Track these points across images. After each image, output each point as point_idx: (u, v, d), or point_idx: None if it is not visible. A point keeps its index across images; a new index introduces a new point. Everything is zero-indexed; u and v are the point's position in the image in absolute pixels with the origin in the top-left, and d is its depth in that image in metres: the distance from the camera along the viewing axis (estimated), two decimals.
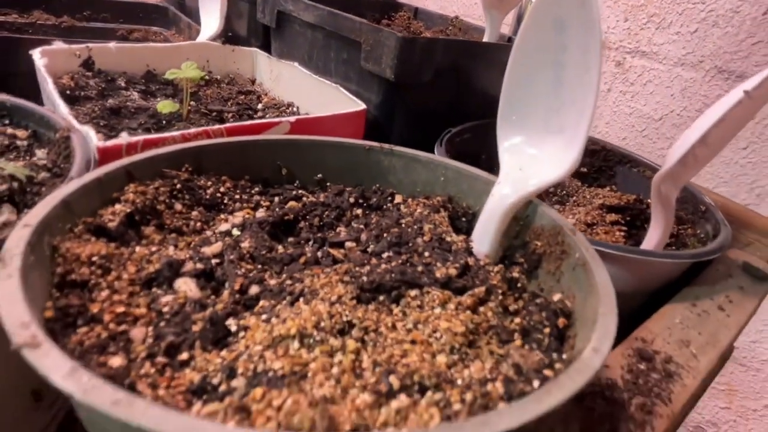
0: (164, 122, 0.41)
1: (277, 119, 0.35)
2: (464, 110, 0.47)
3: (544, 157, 0.27)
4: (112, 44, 0.44)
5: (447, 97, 0.45)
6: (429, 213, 0.30)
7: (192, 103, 0.47)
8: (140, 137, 0.28)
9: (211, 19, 0.55)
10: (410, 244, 0.27)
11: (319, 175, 0.34)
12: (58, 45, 0.41)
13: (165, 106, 0.39)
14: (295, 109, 0.50)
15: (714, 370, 0.26)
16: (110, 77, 0.44)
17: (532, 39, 0.26)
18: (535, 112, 0.27)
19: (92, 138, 0.27)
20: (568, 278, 0.23)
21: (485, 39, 0.47)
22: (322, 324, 0.19)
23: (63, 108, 0.31)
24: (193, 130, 0.30)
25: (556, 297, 0.22)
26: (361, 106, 0.40)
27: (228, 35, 0.57)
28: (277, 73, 0.52)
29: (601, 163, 0.49)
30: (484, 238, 0.27)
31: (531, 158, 0.27)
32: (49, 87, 0.34)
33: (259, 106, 0.51)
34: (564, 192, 0.47)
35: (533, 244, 0.26)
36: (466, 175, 0.32)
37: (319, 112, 0.47)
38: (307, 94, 0.48)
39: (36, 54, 0.38)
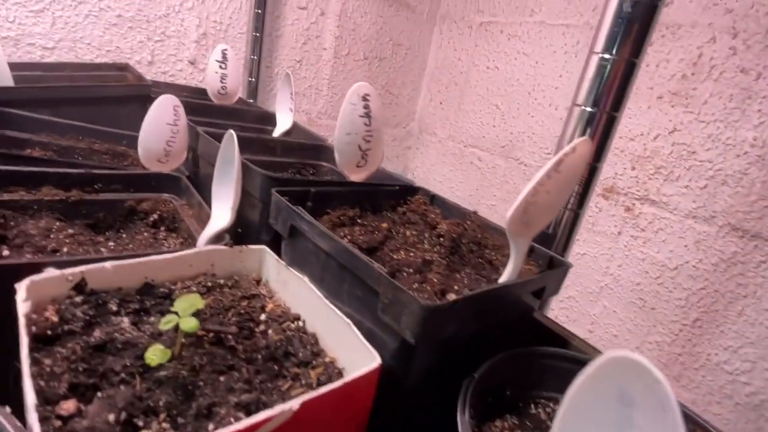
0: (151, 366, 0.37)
1: (276, 410, 0.29)
2: (485, 345, 0.42)
3: None
4: (108, 264, 0.41)
5: (469, 342, 0.41)
6: None
7: None
8: None
9: (221, 211, 0.53)
10: None
11: None
12: (50, 272, 0.38)
13: (154, 356, 0.35)
14: (301, 323, 0.46)
15: None
16: (101, 300, 0.41)
17: (588, 405, 0.22)
18: None
19: None
20: None
21: (507, 271, 0.44)
22: None
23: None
24: None
25: None
26: (375, 361, 0.35)
27: (237, 231, 0.55)
28: (284, 278, 0.49)
29: None
30: None
31: None
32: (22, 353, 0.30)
33: (262, 317, 0.47)
34: None
35: None
36: None
37: (326, 337, 0.43)
38: (315, 313, 0.44)
39: (21, 294, 0.35)
